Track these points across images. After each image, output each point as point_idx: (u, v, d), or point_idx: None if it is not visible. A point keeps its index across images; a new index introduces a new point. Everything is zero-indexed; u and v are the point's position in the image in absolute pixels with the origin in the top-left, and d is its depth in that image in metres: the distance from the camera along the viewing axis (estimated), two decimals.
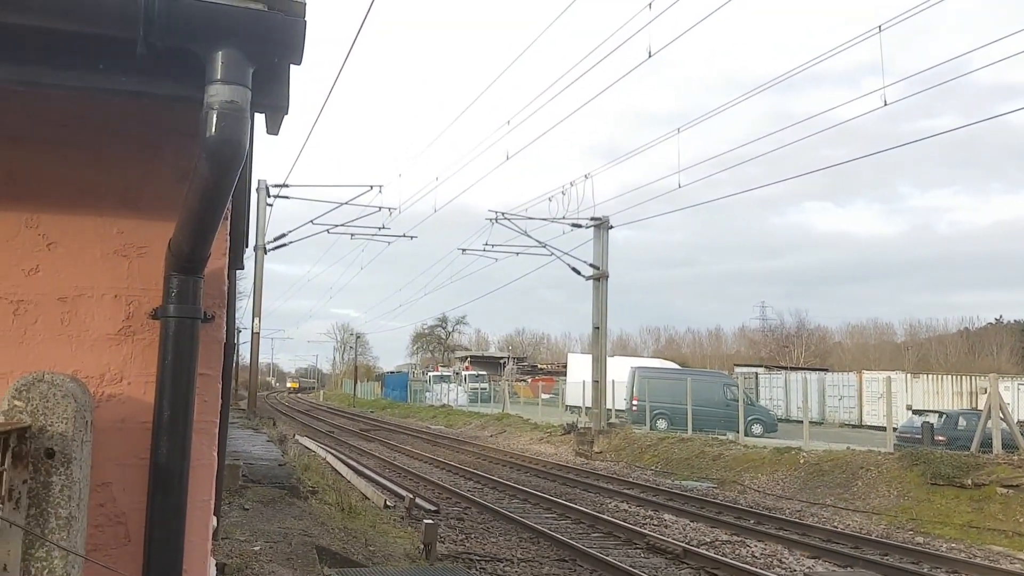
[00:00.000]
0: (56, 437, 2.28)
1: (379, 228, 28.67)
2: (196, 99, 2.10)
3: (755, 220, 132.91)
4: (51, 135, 2.58)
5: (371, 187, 26.48)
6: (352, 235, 29.54)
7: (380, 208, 27.31)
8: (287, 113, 2.35)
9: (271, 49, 2.13)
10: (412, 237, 30.33)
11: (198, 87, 2.09)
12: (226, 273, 2.79)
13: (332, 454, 22.63)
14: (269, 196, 27.17)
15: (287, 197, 27.70)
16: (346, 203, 27.13)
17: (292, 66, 2.27)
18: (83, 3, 1.98)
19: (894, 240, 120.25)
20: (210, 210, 2.27)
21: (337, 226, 28.39)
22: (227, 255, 2.74)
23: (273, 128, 2.51)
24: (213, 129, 2.04)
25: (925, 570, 11.01)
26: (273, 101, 2.28)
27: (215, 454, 2.72)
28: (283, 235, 29.04)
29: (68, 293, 2.59)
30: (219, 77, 2.06)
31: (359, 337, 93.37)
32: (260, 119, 2.51)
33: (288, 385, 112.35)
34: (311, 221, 27.83)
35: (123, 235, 2.63)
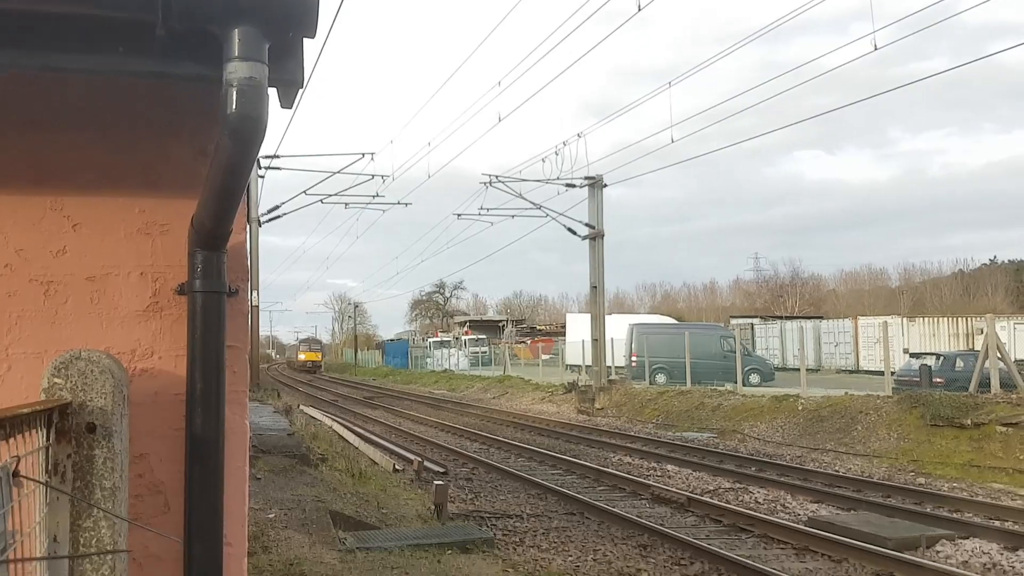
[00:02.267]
0: (96, 412, 2.36)
1: (373, 196, 28.64)
2: (213, 78, 2.14)
3: (747, 172, 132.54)
4: (72, 119, 2.63)
5: (363, 155, 26.39)
6: (346, 204, 29.52)
7: (373, 176, 27.27)
8: (301, 87, 2.40)
9: (286, 24, 2.16)
10: (406, 204, 30.34)
11: (216, 66, 2.13)
12: (248, 247, 2.86)
13: (338, 422, 22.85)
14: (260, 167, 27.06)
15: (278, 168, 27.61)
16: (338, 172, 27.06)
17: (305, 40, 2.31)
18: None
19: (886, 185, 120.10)
20: (232, 186, 2.32)
21: (330, 196, 28.35)
22: (247, 230, 2.81)
23: (287, 102, 2.55)
24: (234, 106, 2.09)
25: (927, 510, 11.26)
26: (288, 76, 2.32)
27: (247, 423, 2.81)
28: (277, 207, 29.01)
29: (96, 272, 2.65)
30: (237, 54, 2.09)
31: (357, 306, 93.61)
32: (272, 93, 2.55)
33: (300, 357, 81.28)
34: (304, 191, 27.79)
35: (145, 214, 2.69)
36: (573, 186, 28.00)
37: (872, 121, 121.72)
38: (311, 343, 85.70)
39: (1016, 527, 10.14)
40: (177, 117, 2.70)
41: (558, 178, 26.80)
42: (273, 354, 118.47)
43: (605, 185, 28.41)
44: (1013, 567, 8.59)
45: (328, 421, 23.13)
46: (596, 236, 28.50)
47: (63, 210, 2.64)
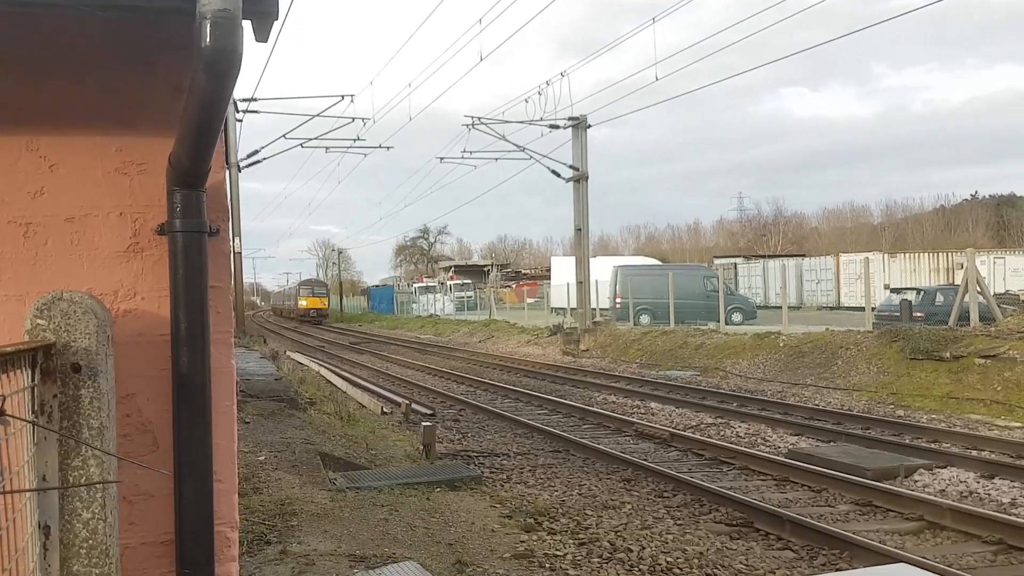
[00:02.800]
0: (81, 352, 2.36)
1: (354, 140, 28.30)
2: (186, 10, 2.10)
3: (732, 110, 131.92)
4: (45, 58, 2.57)
5: (342, 97, 25.97)
6: (327, 148, 29.18)
7: (353, 119, 26.88)
8: (277, 19, 2.35)
9: None
10: (388, 148, 30.03)
11: None
12: (228, 192, 2.83)
13: (325, 367, 22.96)
14: (238, 111, 26.60)
15: (256, 112, 27.16)
16: (318, 115, 26.63)
17: None
18: None
19: (870, 122, 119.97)
20: (209, 122, 2.29)
21: (310, 140, 27.98)
22: (226, 168, 2.78)
23: (262, 36, 2.50)
24: (208, 39, 2.04)
25: (906, 441, 11.51)
26: (263, 7, 2.27)
27: (233, 363, 2.83)
28: (256, 151, 28.62)
29: (75, 213, 2.63)
30: None
31: (341, 252, 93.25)
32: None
33: (300, 304, 64.15)
34: (283, 136, 27.39)
35: (122, 153, 2.66)
36: (557, 127, 27.76)
37: (856, 57, 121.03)
38: (314, 286, 66.44)
39: (992, 456, 10.41)
40: (151, 53, 2.65)
41: (541, 119, 26.55)
42: (258, 301, 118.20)
43: (589, 126, 28.18)
44: (989, 494, 8.84)
45: (315, 366, 23.23)
46: (580, 178, 28.37)
47: (39, 151, 2.60)
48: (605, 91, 61.54)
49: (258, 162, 28.59)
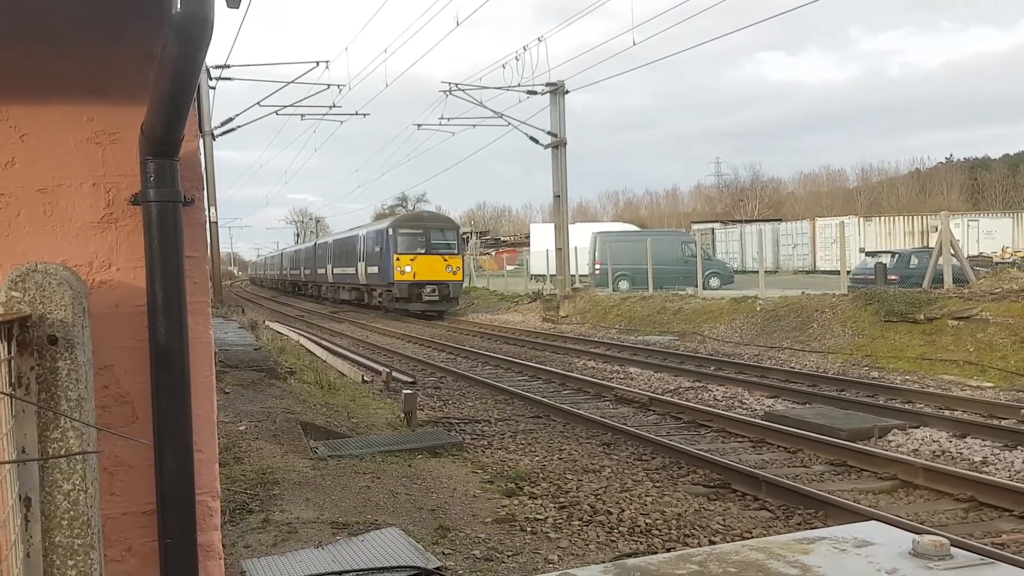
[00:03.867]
0: (57, 324, 2.34)
1: (329, 107, 27.99)
2: None
3: (710, 76, 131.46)
4: (14, 26, 2.52)
5: (317, 63, 25.60)
6: (302, 116, 28.84)
7: (328, 86, 26.56)
8: None
9: None
10: (364, 115, 29.68)
11: None
12: (202, 160, 2.81)
13: (305, 336, 22.91)
14: (211, 78, 26.19)
15: (229, 79, 26.73)
16: (292, 82, 26.29)
17: None
18: None
19: (846, 87, 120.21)
20: (181, 90, 2.26)
21: (285, 107, 27.65)
22: (199, 137, 2.75)
23: (234, 1, 2.47)
24: (179, 5, 2.01)
25: (880, 402, 11.71)
26: None
27: (211, 332, 2.82)
28: (230, 119, 28.22)
29: (47, 184, 2.60)
30: None
31: (319, 221, 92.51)
32: None
33: (402, 272, 31.23)
34: (258, 103, 27.02)
35: (94, 122, 2.62)
36: (535, 93, 27.59)
37: (834, 21, 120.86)
38: (428, 230, 32.56)
39: (964, 416, 10.62)
40: (122, 21, 2.60)
41: (519, 85, 26.38)
42: (235, 271, 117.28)
43: (567, 91, 28.02)
44: (961, 453, 9.03)
45: (295, 336, 23.17)
46: (558, 144, 28.27)
47: (9, 120, 2.56)
48: (583, 56, 61.21)
49: (232, 130, 28.23)
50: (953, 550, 1.33)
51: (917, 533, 1.41)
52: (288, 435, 9.51)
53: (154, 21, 2.39)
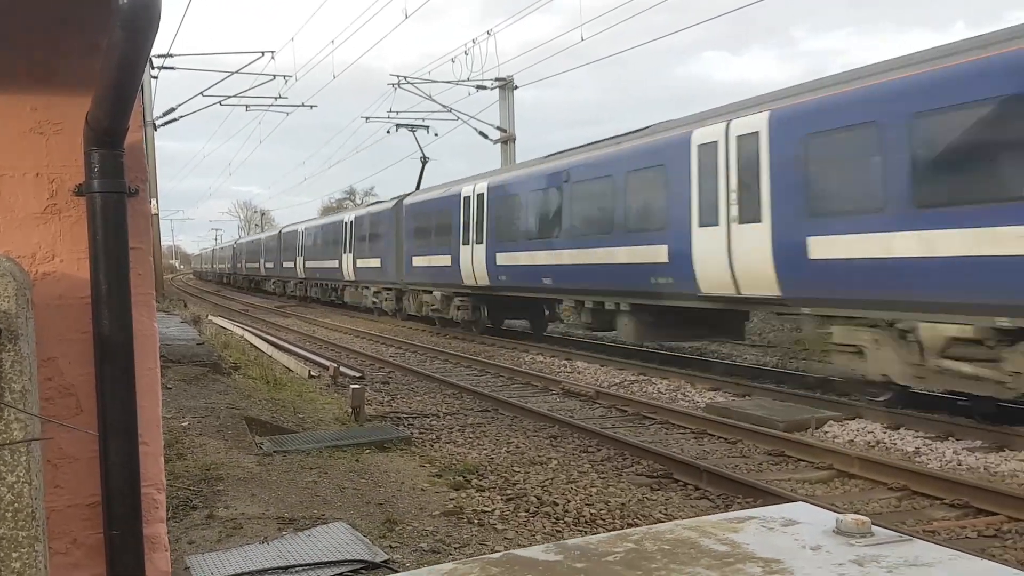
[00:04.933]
0: (0, 315, 2.32)
1: (275, 98, 27.61)
2: None
3: (659, 73, 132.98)
4: None
5: (262, 53, 25.23)
6: (247, 107, 28.38)
7: (275, 76, 26.21)
8: None
9: None
10: (311, 106, 29.35)
11: None
12: (145, 145, 2.79)
13: (250, 331, 22.61)
14: (153, 67, 25.61)
15: (172, 68, 26.18)
16: (237, 72, 25.86)
17: None
18: None
19: (788, 84, 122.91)
20: (127, 80, 2.26)
21: (229, 97, 27.20)
22: (144, 127, 2.73)
23: None
24: None
25: (817, 395, 12.04)
26: None
27: (155, 325, 2.81)
28: (172, 109, 27.64)
29: None
30: None
31: (264, 214, 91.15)
32: None
33: None
34: (201, 93, 26.52)
35: (37, 112, 2.58)
36: (484, 87, 27.61)
37: (777, 21, 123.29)
38: None
39: (898, 408, 10.98)
40: (69, 10, 2.57)
41: (468, 79, 26.37)
42: (177, 264, 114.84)
43: (516, 87, 28.11)
44: (895, 443, 9.35)
45: (239, 330, 22.85)
46: (508, 140, 28.34)
47: None
48: (532, 52, 61.36)
49: (174, 120, 27.66)
50: (874, 528, 1.42)
51: (841, 514, 1.50)
52: (233, 431, 9.41)
53: (100, 10, 2.37)
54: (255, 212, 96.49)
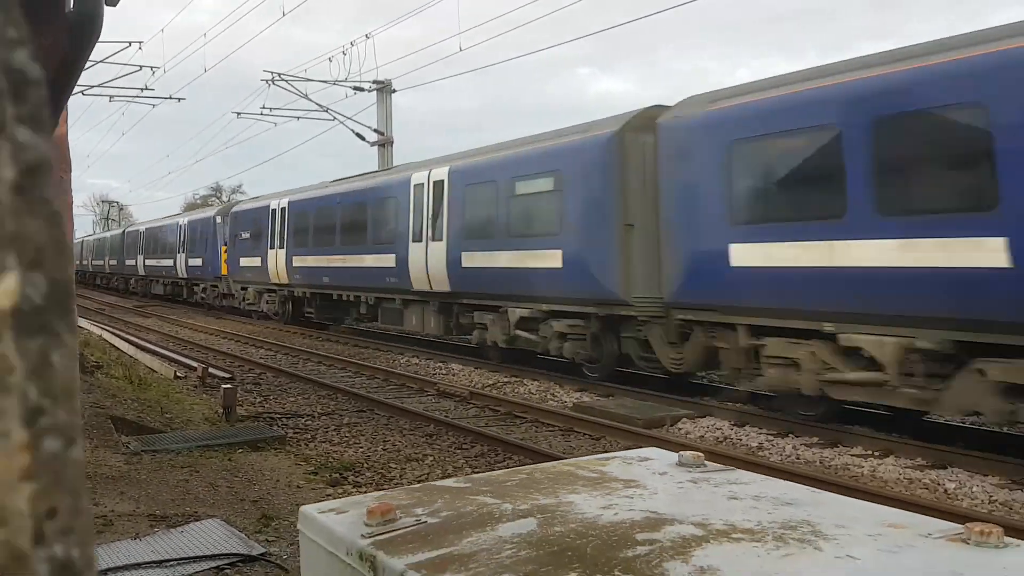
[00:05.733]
0: None
1: (141, 89, 26.55)
2: None
3: (535, 86, 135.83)
4: None
5: (129, 43, 24.28)
6: (111, 97, 27.15)
7: (141, 67, 25.22)
8: None
9: None
10: (180, 99, 28.42)
11: None
12: (67, 139, 2.93)
13: (108, 331, 21.68)
14: None
15: None
16: (100, 61, 24.75)
17: None
18: None
19: (652, 102, 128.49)
20: (64, 85, 2.44)
21: (92, 87, 25.94)
22: (67, 123, 2.87)
23: (112, 0, 2.64)
24: (71, 4, 2.21)
25: (673, 395, 12.87)
26: None
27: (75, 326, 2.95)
28: None
29: None
30: None
31: (122, 209, 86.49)
32: None
33: None
34: None
35: None
36: (361, 89, 27.57)
37: (644, 40, 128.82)
38: None
39: (745, 408, 11.93)
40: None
41: (346, 80, 26.28)
42: None
43: (394, 90, 28.22)
44: (741, 439, 10.20)
45: (97, 330, 21.87)
46: (385, 143, 28.40)
47: None
48: (411, 57, 61.34)
49: None
50: (706, 463, 1.85)
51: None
52: (98, 430, 9.20)
53: (41, 17, 2.53)
54: (113, 206, 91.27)
